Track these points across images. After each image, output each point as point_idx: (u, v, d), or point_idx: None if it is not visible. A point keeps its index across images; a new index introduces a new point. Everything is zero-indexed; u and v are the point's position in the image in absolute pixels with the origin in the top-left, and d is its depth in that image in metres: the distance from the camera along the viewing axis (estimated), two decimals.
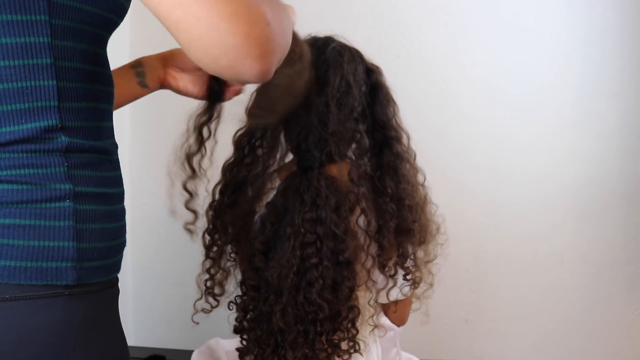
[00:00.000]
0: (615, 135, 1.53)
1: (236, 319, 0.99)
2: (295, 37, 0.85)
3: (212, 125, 0.90)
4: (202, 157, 0.92)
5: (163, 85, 0.93)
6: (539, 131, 1.54)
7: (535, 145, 1.54)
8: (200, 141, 0.91)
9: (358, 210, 0.94)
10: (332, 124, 0.94)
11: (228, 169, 0.99)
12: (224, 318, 1.01)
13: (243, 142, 0.98)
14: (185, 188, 0.93)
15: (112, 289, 0.63)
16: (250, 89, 0.92)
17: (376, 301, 0.98)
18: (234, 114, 0.93)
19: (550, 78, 1.53)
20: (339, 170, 0.97)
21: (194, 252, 1.02)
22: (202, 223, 0.99)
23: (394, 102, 1.02)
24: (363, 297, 0.97)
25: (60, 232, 0.55)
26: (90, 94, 0.60)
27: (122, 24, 0.64)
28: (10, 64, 0.54)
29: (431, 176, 1.03)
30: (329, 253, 0.91)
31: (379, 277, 0.96)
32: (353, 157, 0.97)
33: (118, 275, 0.65)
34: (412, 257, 0.98)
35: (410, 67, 1.55)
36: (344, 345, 0.94)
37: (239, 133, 0.99)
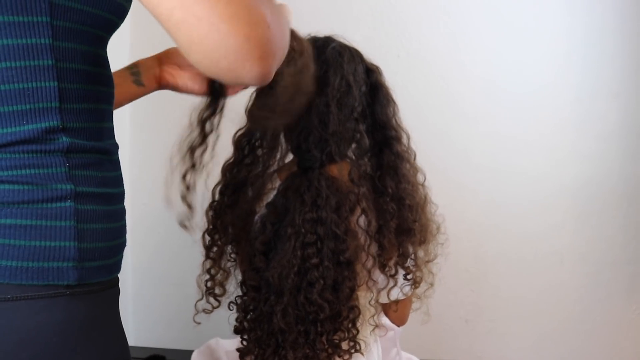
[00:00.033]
0: (615, 135, 1.53)
1: (236, 319, 0.99)
2: (293, 34, 0.85)
3: (215, 120, 0.90)
4: (205, 150, 0.92)
5: (161, 83, 0.92)
6: (539, 131, 1.54)
7: (535, 145, 1.54)
8: (204, 135, 0.90)
9: (358, 210, 0.94)
10: (333, 124, 0.94)
11: (228, 169, 0.99)
12: (224, 318, 1.01)
13: (243, 143, 0.98)
14: (184, 179, 0.93)
15: (112, 289, 0.63)
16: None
17: (377, 301, 0.98)
18: (237, 110, 0.92)
19: (550, 78, 1.53)
20: (340, 171, 0.97)
21: (193, 252, 1.02)
22: (198, 219, 0.98)
23: (394, 102, 1.02)
24: (364, 297, 0.98)
25: (62, 232, 0.56)
26: (91, 95, 0.60)
27: (122, 24, 0.64)
28: (11, 65, 0.54)
29: (431, 176, 1.03)
30: (329, 253, 0.91)
31: (379, 276, 0.96)
32: (353, 157, 0.97)
33: (118, 275, 0.65)
34: (412, 256, 0.98)
35: (410, 67, 1.55)
36: (344, 346, 0.94)
37: (239, 133, 0.99)
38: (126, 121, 1.64)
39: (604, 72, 1.52)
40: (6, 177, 0.54)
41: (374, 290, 0.97)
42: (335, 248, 0.91)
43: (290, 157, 1.01)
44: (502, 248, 1.57)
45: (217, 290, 1.01)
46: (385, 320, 1.06)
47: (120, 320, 0.65)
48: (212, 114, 0.89)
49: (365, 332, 0.98)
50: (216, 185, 0.99)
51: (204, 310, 1.00)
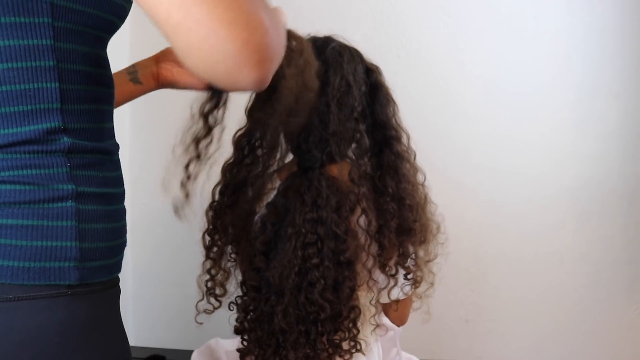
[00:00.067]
0: (615, 135, 1.53)
1: (237, 320, 0.99)
2: (291, 33, 0.86)
3: (219, 113, 0.89)
4: (210, 142, 0.92)
5: (160, 81, 0.92)
6: (539, 131, 1.54)
7: (535, 145, 1.54)
8: (208, 128, 0.90)
9: (359, 210, 0.94)
10: (333, 124, 0.94)
11: (228, 170, 0.99)
12: (225, 318, 1.01)
13: (243, 143, 0.98)
14: (186, 168, 0.93)
15: (113, 289, 0.63)
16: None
17: (377, 301, 0.98)
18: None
19: (550, 78, 1.53)
20: (340, 170, 0.97)
21: (193, 252, 1.02)
22: (194, 213, 0.97)
23: (394, 102, 1.02)
24: (365, 297, 0.98)
25: (63, 232, 0.56)
26: (92, 95, 0.60)
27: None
28: (13, 66, 0.54)
29: (431, 176, 1.03)
30: (330, 253, 0.91)
31: (380, 276, 0.96)
32: (353, 157, 0.97)
33: (118, 275, 0.65)
34: (413, 256, 0.98)
35: (410, 67, 1.55)
36: (345, 345, 0.94)
37: (239, 133, 0.99)
38: (126, 121, 1.64)
39: (604, 72, 1.52)
40: (7, 177, 0.54)
41: (375, 290, 0.97)
42: (336, 248, 0.91)
43: (290, 157, 1.01)
44: (502, 248, 1.57)
45: (218, 291, 1.01)
46: (385, 320, 1.06)
47: (121, 320, 0.65)
48: (215, 106, 0.89)
49: (366, 332, 0.98)
50: (216, 185, 0.99)
51: (205, 311, 1.00)
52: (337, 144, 0.95)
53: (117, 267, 0.64)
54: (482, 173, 1.56)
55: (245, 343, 0.98)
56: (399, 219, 0.95)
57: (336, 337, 0.93)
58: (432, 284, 1.02)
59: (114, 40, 0.65)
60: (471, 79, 1.55)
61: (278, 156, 0.99)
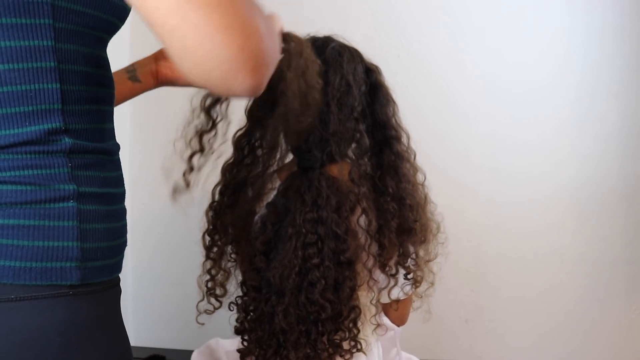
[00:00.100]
0: (615, 135, 1.53)
1: (237, 320, 0.99)
2: (288, 35, 0.86)
3: (223, 107, 0.89)
4: (215, 136, 0.92)
5: (159, 79, 0.92)
6: (538, 131, 1.54)
7: (535, 145, 1.54)
8: (212, 122, 0.90)
9: (359, 210, 0.94)
10: (333, 123, 0.94)
11: (228, 170, 0.99)
12: (225, 319, 1.01)
13: (243, 143, 0.98)
14: (189, 160, 0.93)
15: (114, 289, 0.63)
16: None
17: (378, 300, 0.98)
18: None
19: (550, 78, 1.53)
20: (340, 170, 0.97)
21: (193, 252, 1.02)
22: (195, 203, 0.98)
23: (394, 102, 1.02)
24: (365, 297, 0.98)
25: (65, 232, 0.56)
26: (93, 96, 0.60)
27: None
28: (14, 67, 0.54)
29: (431, 176, 1.03)
30: (330, 253, 0.91)
31: (380, 276, 0.96)
32: (353, 157, 0.97)
33: (119, 275, 0.65)
34: (413, 256, 0.98)
35: (410, 67, 1.55)
36: (345, 345, 0.94)
37: (239, 133, 0.99)
38: (126, 121, 1.64)
39: (604, 72, 1.52)
40: (9, 177, 0.54)
41: (375, 289, 0.97)
42: (336, 248, 0.91)
43: (290, 157, 1.01)
44: (502, 248, 1.57)
45: (218, 291, 1.01)
46: (385, 320, 1.06)
47: (122, 320, 0.65)
48: (217, 100, 0.89)
49: (366, 332, 0.98)
50: (216, 185, 0.99)
51: (206, 311, 1.00)
52: (337, 144, 0.95)
53: (118, 267, 0.64)
54: (482, 173, 1.56)
55: (245, 343, 0.98)
56: (399, 218, 0.95)
57: (337, 337, 0.93)
58: (432, 283, 1.02)
59: (114, 41, 0.65)
60: (471, 79, 1.55)
61: (278, 156, 0.99)
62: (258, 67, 0.49)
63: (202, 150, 0.92)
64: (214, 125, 0.91)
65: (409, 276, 0.98)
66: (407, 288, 1.00)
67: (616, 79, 1.52)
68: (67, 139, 0.57)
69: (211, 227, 1.00)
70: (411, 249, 0.97)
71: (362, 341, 0.95)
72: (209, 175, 0.97)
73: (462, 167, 1.56)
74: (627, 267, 1.55)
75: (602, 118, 1.53)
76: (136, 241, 1.56)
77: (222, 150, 0.94)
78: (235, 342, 1.02)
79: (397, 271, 0.97)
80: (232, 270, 1.03)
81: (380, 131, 0.99)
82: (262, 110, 0.95)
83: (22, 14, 0.53)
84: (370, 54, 1.04)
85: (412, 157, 1.01)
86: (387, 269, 0.96)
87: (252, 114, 0.97)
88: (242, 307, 0.98)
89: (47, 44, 0.55)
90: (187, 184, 0.93)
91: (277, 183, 0.99)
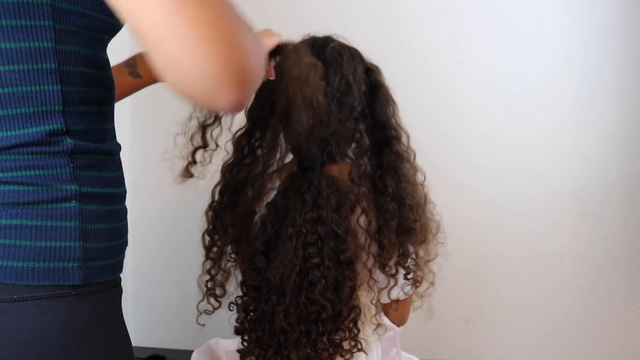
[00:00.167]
0: (615, 135, 1.53)
1: (237, 320, 0.99)
2: (285, 47, 0.86)
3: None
4: (218, 130, 0.92)
5: None
6: (539, 131, 1.54)
7: (535, 144, 1.54)
8: (216, 117, 0.90)
9: (359, 210, 0.94)
10: (333, 123, 0.94)
11: (228, 170, 0.99)
12: (225, 319, 1.01)
13: (242, 143, 0.98)
14: (193, 154, 0.93)
15: (115, 289, 0.63)
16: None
17: (378, 300, 0.98)
18: None
19: (550, 77, 1.53)
20: (340, 170, 0.97)
21: (193, 252, 1.02)
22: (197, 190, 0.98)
23: (394, 102, 1.02)
24: (365, 297, 0.98)
25: (67, 232, 0.56)
26: (94, 97, 0.60)
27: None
28: (15, 69, 0.54)
29: (431, 176, 1.03)
30: (330, 253, 0.91)
31: (380, 276, 0.97)
32: (353, 157, 0.97)
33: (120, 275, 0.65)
34: (413, 256, 0.98)
35: (410, 67, 1.55)
36: (345, 345, 0.94)
37: (239, 133, 0.99)
38: (126, 121, 1.64)
39: (604, 72, 1.52)
40: (11, 178, 0.55)
41: (375, 289, 0.97)
42: (336, 248, 0.91)
43: (290, 157, 1.02)
44: (502, 248, 1.57)
45: (218, 291, 1.01)
46: (385, 320, 1.06)
47: (123, 320, 0.65)
48: None
49: (367, 332, 0.98)
50: (216, 185, 0.99)
51: (205, 311, 1.00)
52: (337, 144, 0.95)
53: (119, 266, 0.64)
54: (482, 173, 1.56)
55: (245, 343, 0.98)
56: (399, 218, 0.95)
57: (337, 336, 0.93)
58: (432, 283, 1.02)
59: (114, 41, 0.65)
60: (471, 79, 1.55)
61: (278, 156, 0.99)
62: (242, 82, 0.48)
63: (205, 145, 0.92)
64: (217, 118, 0.91)
65: (409, 276, 0.98)
66: (407, 288, 1.00)
67: (616, 79, 1.52)
68: (68, 140, 0.57)
69: (211, 227, 1.00)
70: (411, 249, 0.97)
71: (362, 341, 0.95)
72: (209, 175, 0.97)
73: (462, 167, 1.56)
74: (627, 267, 1.55)
75: (602, 118, 1.52)
76: (136, 241, 1.56)
77: (227, 148, 0.94)
78: (235, 342, 1.02)
79: (397, 271, 0.97)
80: (232, 270, 1.03)
81: (380, 131, 0.99)
82: (262, 110, 0.95)
83: (22, 15, 0.53)
84: (370, 54, 1.04)
85: (412, 157, 1.01)
86: (387, 269, 0.96)
87: (252, 114, 0.98)
88: (242, 307, 0.98)
89: (48, 45, 0.55)
90: (191, 174, 0.94)
91: (277, 183, 1.00)
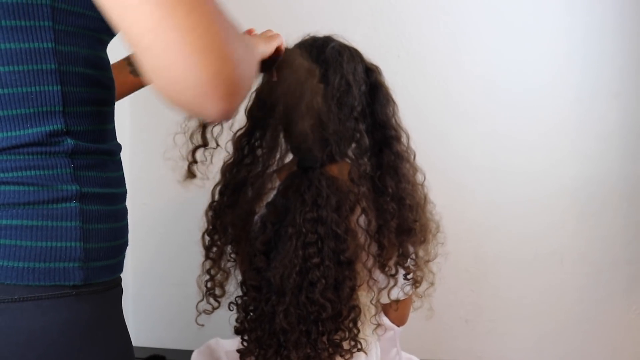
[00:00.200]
0: (615, 135, 1.53)
1: (237, 320, 0.99)
2: (282, 59, 0.87)
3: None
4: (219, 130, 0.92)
5: None
6: (538, 131, 1.54)
7: (535, 145, 1.54)
8: None
9: (359, 210, 0.94)
10: (333, 123, 0.94)
11: (228, 170, 0.99)
12: (225, 319, 1.01)
13: (242, 143, 0.98)
14: (193, 153, 0.93)
15: (116, 289, 0.63)
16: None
17: (378, 300, 0.98)
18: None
19: (550, 77, 1.53)
20: (340, 170, 0.97)
21: (194, 252, 1.02)
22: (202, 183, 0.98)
23: (394, 102, 1.02)
24: (365, 297, 0.98)
25: (67, 232, 0.56)
26: (94, 98, 0.60)
27: None
28: (15, 69, 0.54)
29: (431, 176, 1.03)
30: (330, 253, 0.91)
31: (379, 276, 0.97)
32: (353, 157, 0.97)
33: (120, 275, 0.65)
34: (412, 256, 0.98)
35: (410, 67, 1.55)
36: (345, 345, 0.94)
37: (239, 133, 0.99)
38: (126, 121, 1.64)
39: (604, 72, 1.52)
40: (12, 178, 0.55)
41: (375, 289, 0.97)
42: (336, 247, 0.92)
43: (290, 157, 1.02)
44: (502, 248, 1.57)
45: (217, 291, 1.01)
46: (385, 320, 1.06)
47: (124, 320, 0.65)
48: None
49: (366, 331, 0.98)
50: (216, 185, 0.99)
51: (205, 311, 1.00)
52: (337, 144, 0.95)
53: (120, 266, 0.64)
54: (482, 173, 1.56)
55: (245, 343, 0.98)
56: (398, 219, 0.95)
57: (337, 336, 0.93)
58: (432, 283, 1.02)
59: (114, 41, 0.65)
60: (471, 79, 1.55)
61: (278, 156, 0.99)
62: (231, 92, 0.48)
63: (205, 144, 0.92)
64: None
65: (409, 276, 0.98)
66: (407, 288, 1.00)
67: (616, 79, 1.52)
68: (69, 140, 0.57)
69: (211, 227, 1.00)
70: (411, 249, 0.97)
71: (362, 341, 0.95)
72: (212, 175, 0.97)
73: (462, 167, 1.56)
74: (627, 267, 1.55)
75: (602, 118, 1.53)
76: (136, 241, 1.56)
77: (227, 147, 0.93)
78: (235, 342, 1.02)
79: (397, 271, 0.97)
80: (232, 270, 1.03)
81: (380, 131, 0.99)
82: (262, 110, 0.95)
83: (21, 16, 0.53)
84: (370, 54, 1.04)
85: (412, 157, 1.01)
86: (386, 269, 0.96)
87: (252, 114, 0.98)
88: (242, 307, 0.98)
89: (47, 46, 0.55)
90: (193, 175, 0.94)
91: (277, 183, 1.00)
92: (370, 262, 0.94)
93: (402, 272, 0.97)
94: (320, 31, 1.03)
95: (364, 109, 0.98)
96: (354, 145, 0.97)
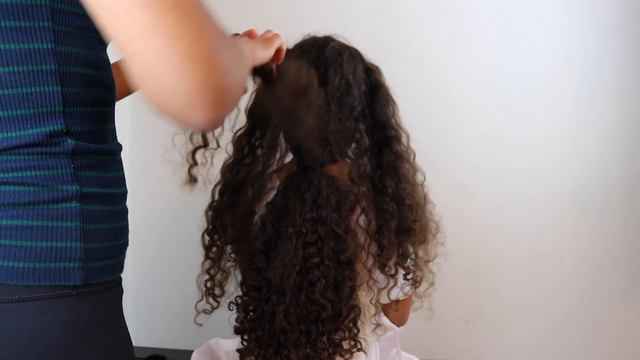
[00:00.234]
0: (615, 135, 1.53)
1: (237, 320, 0.99)
2: (289, 70, 0.87)
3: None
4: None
5: None
6: (538, 131, 1.54)
7: (535, 145, 1.54)
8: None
9: (358, 210, 0.94)
10: (333, 123, 0.94)
11: (227, 170, 0.99)
12: (225, 318, 1.01)
13: (242, 142, 0.98)
14: (193, 154, 0.93)
15: (116, 289, 0.63)
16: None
17: (377, 300, 0.98)
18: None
19: (550, 77, 1.53)
20: (340, 170, 0.97)
21: (194, 252, 1.02)
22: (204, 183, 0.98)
23: (394, 102, 1.02)
24: (365, 296, 0.98)
25: (68, 232, 0.56)
26: (94, 98, 0.60)
27: None
28: (15, 70, 0.54)
29: (431, 176, 1.03)
30: (330, 253, 0.91)
31: (379, 276, 0.97)
32: (353, 157, 0.97)
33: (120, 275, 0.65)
34: (412, 256, 0.98)
35: (410, 67, 1.55)
36: (345, 345, 0.94)
37: (239, 133, 0.99)
38: (126, 121, 1.64)
39: (604, 72, 1.52)
40: (12, 178, 0.55)
41: (375, 289, 0.97)
42: (336, 247, 0.92)
43: (290, 157, 1.02)
44: (502, 248, 1.57)
45: (217, 291, 1.01)
46: (385, 320, 1.06)
47: (124, 320, 0.65)
48: None
49: (367, 331, 0.98)
50: (216, 185, 1.00)
51: (204, 311, 1.00)
52: (337, 143, 0.95)
53: (120, 267, 0.64)
54: (482, 173, 1.56)
55: (245, 343, 0.98)
56: (398, 219, 0.95)
57: (336, 336, 0.93)
58: (432, 283, 1.02)
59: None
60: (471, 79, 1.55)
61: (278, 156, 0.99)
62: (218, 101, 0.47)
63: (206, 145, 0.92)
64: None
65: (409, 276, 0.98)
66: (407, 288, 1.00)
67: (616, 79, 1.52)
68: (69, 141, 0.57)
69: (210, 226, 1.00)
70: (410, 249, 0.97)
71: (361, 341, 0.95)
72: (212, 173, 0.97)
73: (462, 167, 1.56)
74: (627, 267, 1.55)
75: (602, 118, 1.53)
76: (137, 241, 1.56)
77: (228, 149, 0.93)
78: (235, 342, 1.02)
79: (397, 271, 0.97)
80: (232, 270, 1.03)
81: (380, 131, 0.99)
82: (262, 110, 0.96)
83: (21, 17, 0.53)
84: (370, 54, 1.04)
85: (412, 157, 1.01)
86: (386, 269, 0.96)
87: (252, 114, 0.98)
88: (242, 307, 0.98)
89: (47, 46, 0.55)
90: (194, 179, 0.94)
91: (277, 183, 1.00)
92: (370, 262, 0.95)
93: (401, 272, 0.97)
94: (320, 31, 1.03)
95: (364, 108, 0.98)
96: (354, 145, 0.97)
